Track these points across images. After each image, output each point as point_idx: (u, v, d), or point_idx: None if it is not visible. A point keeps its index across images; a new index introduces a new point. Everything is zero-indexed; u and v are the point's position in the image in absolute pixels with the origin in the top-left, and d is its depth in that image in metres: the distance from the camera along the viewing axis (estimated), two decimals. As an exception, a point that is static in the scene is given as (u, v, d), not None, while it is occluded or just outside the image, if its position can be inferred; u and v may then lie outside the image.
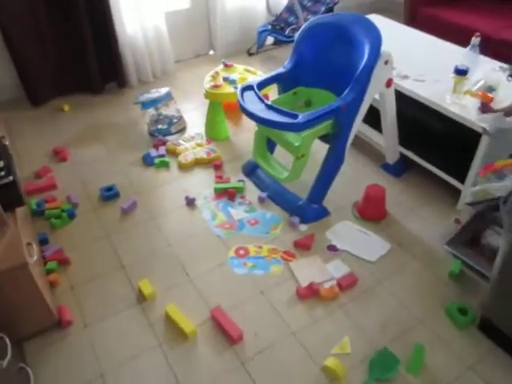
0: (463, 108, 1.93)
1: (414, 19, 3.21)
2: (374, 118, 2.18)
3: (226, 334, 1.60)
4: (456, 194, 2.08)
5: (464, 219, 1.93)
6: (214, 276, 1.82)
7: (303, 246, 1.92)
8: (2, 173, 1.57)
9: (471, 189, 1.79)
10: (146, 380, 1.49)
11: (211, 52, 3.52)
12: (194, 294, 1.75)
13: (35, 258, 1.55)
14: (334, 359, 1.50)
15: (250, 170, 2.30)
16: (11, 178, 1.59)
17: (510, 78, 1.73)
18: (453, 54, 2.30)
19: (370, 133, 2.36)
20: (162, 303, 1.71)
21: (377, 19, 2.74)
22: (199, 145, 2.50)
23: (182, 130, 2.65)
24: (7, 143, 1.84)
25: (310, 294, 1.73)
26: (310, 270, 1.82)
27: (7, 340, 1.25)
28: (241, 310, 1.69)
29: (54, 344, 1.59)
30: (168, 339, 1.60)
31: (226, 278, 1.81)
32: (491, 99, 1.85)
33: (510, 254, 1.33)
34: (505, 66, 2.17)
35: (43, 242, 1.94)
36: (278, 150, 2.24)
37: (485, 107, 1.85)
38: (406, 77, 2.18)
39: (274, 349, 1.57)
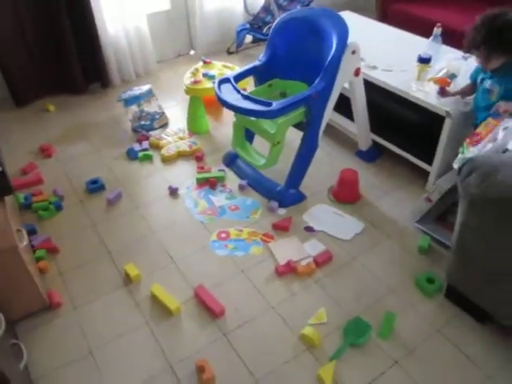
0: (427, 94, 2.06)
1: (386, 15, 3.35)
2: (346, 108, 2.30)
3: (208, 309, 1.69)
4: (425, 175, 2.21)
5: (435, 197, 2.04)
6: (197, 258, 1.91)
7: (281, 228, 2.02)
8: (-9, 163, 1.65)
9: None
10: (134, 354, 1.58)
11: (192, 52, 3.63)
12: (177, 275, 1.84)
13: (24, 243, 1.63)
14: (310, 328, 1.60)
15: (231, 160, 2.40)
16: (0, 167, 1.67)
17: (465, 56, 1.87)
18: (419, 45, 2.40)
19: (343, 122, 2.48)
20: (147, 285, 1.80)
21: (348, 15, 2.88)
22: (181, 138, 2.59)
23: (165, 125, 2.75)
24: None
25: (287, 270, 1.83)
26: (288, 249, 1.92)
27: (1, 315, 1.33)
28: (223, 288, 1.78)
29: (45, 325, 1.67)
30: (154, 316, 1.69)
31: (208, 260, 1.91)
32: (448, 83, 1.97)
33: (465, 220, 1.45)
34: (466, 55, 2.31)
35: (31, 232, 2.01)
36: (256, 141, 2.34)
37: (443, 91, 1.97)
38: (374, 67, 2.30)
39: (254, 321, 1.67)
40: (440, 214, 2.01)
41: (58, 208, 2.17)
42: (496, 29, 1.67)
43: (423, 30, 2.62)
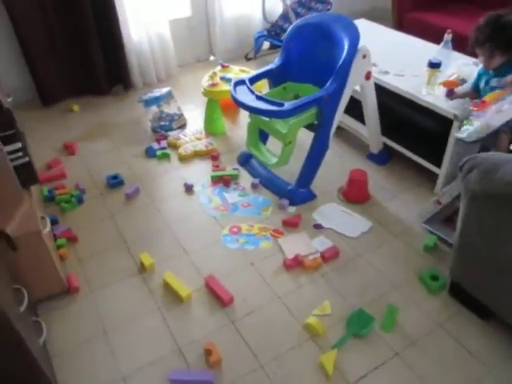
0: (436, 98, 2.11)
1: (402, 24, 3.42)
2: (358, 111, 2.37)
3: (218, 297, 1.77)
4: (433, 178, 2.25)
5: (445, 200, 2.07)
6: (209, 250, 2.00)
7: (291, 225, 2.09)
8: (20, 153, 1.76)
9: (471, 129, 1.72)
10: (145, 337, 1.66)
11: (211, 57, 3.75)
12: (189, 265, 1.93)
13: (47, 229, 1.74)
14: (315, 318, 1.66)
15: (245, 160, 2.49)
16: (27, 158, 1.79)
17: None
18: (432, 52, 2.46)
19: (355, 125, 2.54)
20: (160, 273, 1.88)
21: (363, 23, 2.97)
22: (198, 139, 2.70)
23: (183, 126, 2.85)
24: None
25: (295, 264, 1.89)
26: (297, 245, 1.99)
27: (24, 290, 1.43)
28: (232, 278, 1.86)
29: (63, 307, 1.77)
30: (166, 302, 1.78)
31: (220, 252, 1.99)
32: (456, 85, 2.03)
33: (467, 216, 1.50)
34: (477, 60, 2.36)
35: (54, 222, 2.12)
36: (269, 142, 2.43)
37: (450, 93, 2.03)
38: (386, 72, 2.36)
39: (261, 310, 1.73)
40: (448, 215, 2.05)
41: (80, 201, 2.28)
42: (500, 27, 1.77)
43: (437, 37, 2.68)
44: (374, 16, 3.96)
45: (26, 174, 1.77)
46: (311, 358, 1.57)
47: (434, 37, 2.72)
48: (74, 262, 1.96)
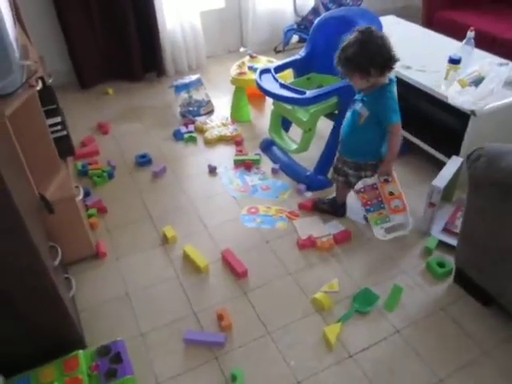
0: (454, 93, 2.16)
1: (431, 22, 3.45)
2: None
3: (233, 270, 1.89)
4: (449, 172, 2.30)
5: (436, 199, 2.00)
6: (227, 227, 2.12)
7: (307, 208, 2.19)
8: (59, 127, 1.93)
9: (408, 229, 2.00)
10: (164, 300, 1.80)
11: (241, 49, 3.86)
12: (208, 239, 2.06)
13: (80, 197, 1.90)
14: (322, 294, 1.76)
15: (266, 146, 2.60)
16: (65, 132, 1.96)
17: None
18: (455, 48, 2.51)
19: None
20: (181, 245, 2.02)
21: (391, 20, 3.03)
22: (224, 124, 2.82)
23: (210, 112, 2.99)
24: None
25: (308, 244, 2.00)
26: (311, 226, 2.09)
27: (58, 248, 1.59)
28: (247, 254, 1.97)
29: (91, 270, 1.93)
30: (185, 272, 1.91)
31: (237, 230, 2.11)
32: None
33: (471, 203, 1.57)
34: (504, 61, 2.39)
35: (86, 194, 2.29)
36: (291, 132, 2.53)
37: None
38: (408, 67, 2.43)
39: (272, 284, 1.85)
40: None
41: (110, 176, 2.45)
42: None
43: (464, 35, 2.72)
44: (405, 14, 3.99)
45: (64, 146, 1.94)
46: (316, 329, 1.67)
47: (462, 35, 2.75)
48: (103, 231, 2.12)
